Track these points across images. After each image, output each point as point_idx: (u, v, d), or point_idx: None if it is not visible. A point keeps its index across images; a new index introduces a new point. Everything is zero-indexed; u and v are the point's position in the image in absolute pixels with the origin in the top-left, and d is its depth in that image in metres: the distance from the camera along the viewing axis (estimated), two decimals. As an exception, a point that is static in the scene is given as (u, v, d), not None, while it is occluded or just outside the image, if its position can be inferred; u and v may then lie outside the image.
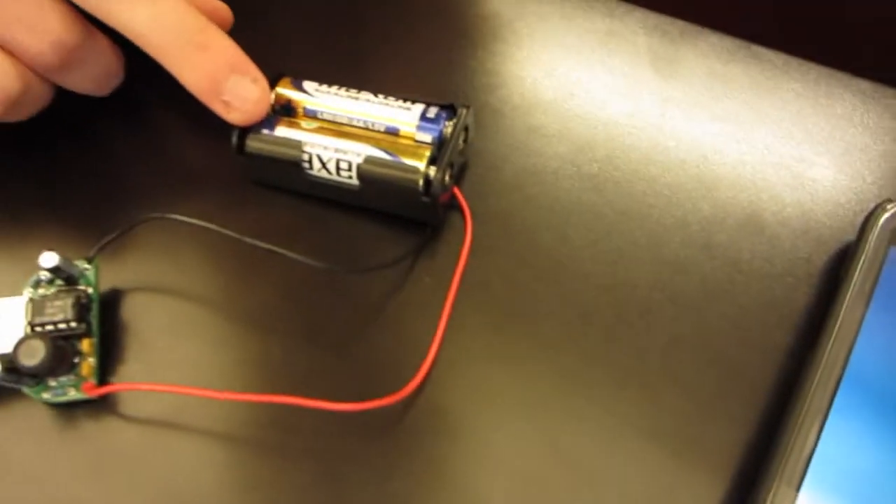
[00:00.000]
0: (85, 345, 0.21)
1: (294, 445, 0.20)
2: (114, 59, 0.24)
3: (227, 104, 0.22)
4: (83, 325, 0.21)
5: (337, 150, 0.23)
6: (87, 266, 0.22)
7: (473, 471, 0.20)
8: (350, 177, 0.23)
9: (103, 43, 0.23)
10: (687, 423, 0.21)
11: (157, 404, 0.21)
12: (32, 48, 0.21)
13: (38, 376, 0.20)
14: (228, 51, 0.22)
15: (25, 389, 0.20)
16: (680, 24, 0.28)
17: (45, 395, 0.20)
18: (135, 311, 0.22)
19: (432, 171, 0.22)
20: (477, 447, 0.20)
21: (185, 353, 0.22)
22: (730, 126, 0.25)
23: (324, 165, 0.23)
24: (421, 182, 0.22)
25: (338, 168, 0.23)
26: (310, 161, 0.23)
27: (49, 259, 0.20)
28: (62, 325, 0.20)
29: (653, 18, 0.28)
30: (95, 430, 0.21)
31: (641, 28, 0.27)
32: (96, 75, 0.24)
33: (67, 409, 0.21)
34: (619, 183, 0.24)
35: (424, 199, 0.22)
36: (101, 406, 0.21)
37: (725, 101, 0.26)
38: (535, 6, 0.28)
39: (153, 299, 0.22)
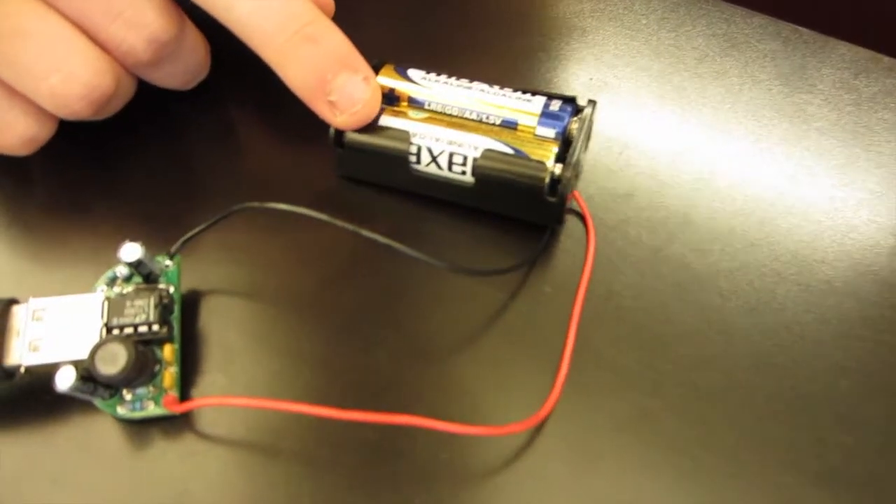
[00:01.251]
0: (167, 351, 0.18)
1: (407, 472, 0.17)
2: (202, 55, 0.22)
3: (333, 105, 0.20)
4: (165, 329, 0.18)
5: (451, 143, 0.20)
6: (168, 262, 0.19)
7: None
8: (463, 172, 0.20)
9: (195, 37, 0.21)
10: (856, 460, 0.18)
11: (245, 422, 0.18)
12: (125, 43, 0.19)
13: (115, 387, 0.17)
14: (339, 44, 0.20)
15: (98, 402, 0.17)
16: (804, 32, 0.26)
17: (121, 410, 0.18)
18: (218, 314, 0.20)
19: (559, 168, 0.20)
20: (614, 480, 0.18)
21: (275, 363, 0.19)
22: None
23: (434, 159, 0.20)
24: (547, 180, 0.20)
25: (450, 162, 0.20)
26: (418, 154, 0.20)
27: (131, 252, 0.18)
28: (143, 328, 0.17)
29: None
30: (175, 452, 0.18)
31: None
32: (184, 71, 0.22)
33: (143, 427, 0.18)
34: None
35: (550, 198, 0.20)
36: (182, 424, 0.18)
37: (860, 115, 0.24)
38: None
39: (239, 301, 0.20)
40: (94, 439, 0.18)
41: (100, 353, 0.16)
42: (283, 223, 0.20)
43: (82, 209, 0.21)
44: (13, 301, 0.17)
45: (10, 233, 0.21)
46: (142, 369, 0.17)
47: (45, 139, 0.20)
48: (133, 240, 0.18)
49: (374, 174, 0.22)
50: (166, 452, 0.18)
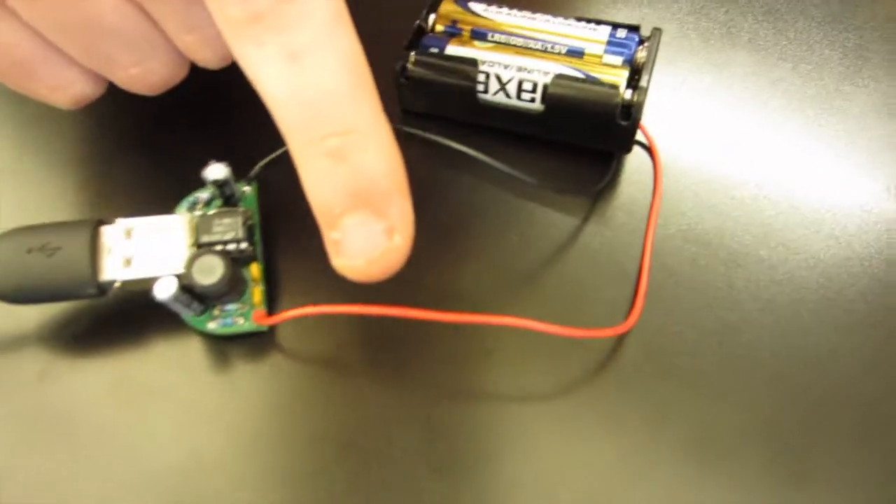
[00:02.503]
0: (254, 270, 0.18)
1: (496, 375, 0.18)
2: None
3: (335, 243, 0.15)
4: (251, 248, 0.18)
5: (520, 69, 0.20)
6: (246, 188, 0.20)
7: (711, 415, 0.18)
8: (532, 100, 0.21)
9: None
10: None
11: (330, 338, 0.18)
12: (200, 55, 0.18)
13: (208, 300, 0.17)
14: (369, 173, 0.15)
15: (187, 318, 0.18)
16: None
17: (211, 326, 0.18)
18: (295, 239, 0.20)
19: (630, 93, 0.20)
20: (692, 390, 0.18)
21: (357, 289, 0.19)
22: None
23: (502, 87, 0.21)
24: (620, 104, 0.20)
25: (519, 90, 0.21)
26: (486, 83, 0.21)
27: (217, 171, 0.18)
28: (231, 246, 0.18)
29: None
30: (262, 367, 0.18)
31: None
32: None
33: (230, 344, 0.18)
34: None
35: (622, 122, 0.20)
36: (268, 340, 0.18)
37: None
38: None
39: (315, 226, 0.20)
40: (183, 355, 0.18)
41: (197, 265, 0.17)
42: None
43: (162, 138, 0.22)
44: (101, 221, 0.18)
45: (94, 160, 0.21)
46: (235, 283, 0.17)
47: (95, 98, 0.19)
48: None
49: (439, 106, 0.22)
50: (254, 368, 0.18)
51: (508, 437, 0.17)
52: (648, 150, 0.22)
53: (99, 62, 0.18)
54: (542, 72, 0.20)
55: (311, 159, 0.15)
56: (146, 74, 0.18)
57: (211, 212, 0.18)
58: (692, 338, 0.19)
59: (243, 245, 0.18)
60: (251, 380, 0.18)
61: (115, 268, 0.17)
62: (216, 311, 0.18)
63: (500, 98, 0.21)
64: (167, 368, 0.18)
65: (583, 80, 0.20)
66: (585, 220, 0.21)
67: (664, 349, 0.18)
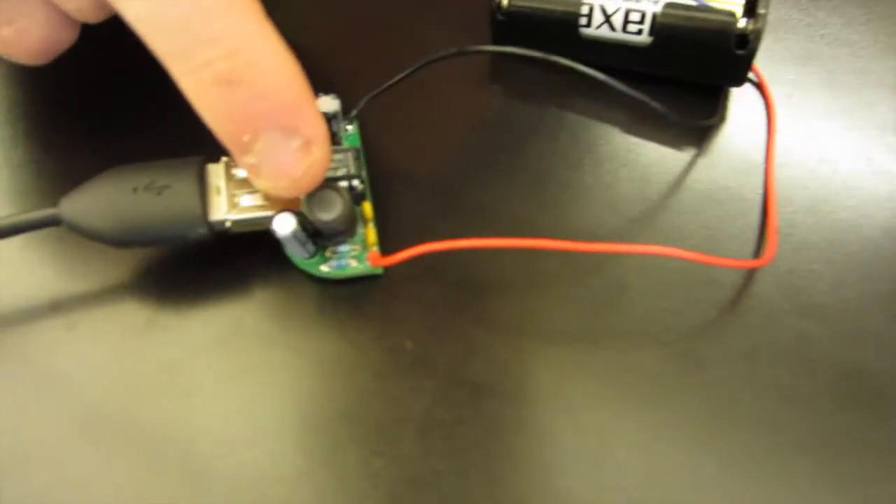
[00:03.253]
0: (366, 208, 0.17)
1: (631, 309, 0.17)
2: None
3: (254, 167, 0.14)
4: (362, 185, 0.17)
5: None
6: (348, 126, 0.19)
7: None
8: (639, 31, 0.20)
9: None
10: None
11: (444, 279, 0.17)
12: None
13: (324, 238, 0.17)
14: (271, 87, 0.14)
15: (298, 260, 0.17)
16: None
17: (324, 269, 0.17)
18: (396, 178, 0.19)
19: (744, 20, 0.19)
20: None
21: (468, 225, 0.18)
22: None
23: (607, 19, 0.20)
24: (736, 31, 0.19)
25: (625, 21, 0.20)
26: (589, 15, 0.20)
27: (328, 104, 0.17)
28: (343, 184, 0.17)
29: None
30: (377, 311, 0.17)
31: None
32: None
33: (341, 287, 0.17)
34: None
35: (738, 52, 0.19)
36: (378, 284, 0.17)
37: None
38: None
39: (421, 162, 0.19)
40: (293, 299, 0.17)
41: (316, 199, 0.16)
42: (452, 85, 0.20)
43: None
44: (207, 159, 0.17)
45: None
46: (352, 221, 0.16)
47: (66, 46, 0.17)
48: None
49: (538, 43, 0.21)
50: (367, 312, 0.17)
51: (642, 380, 0.16)
52: (757, 85, 0.21)
53: None
54: (652, 1, 0.19)
55: (202, 90, 0.13)
56: (21, 36, 0.16)
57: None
58: (828, 274, 0.18)
59: (355, 182, 0.17)
60: (365, 325, 0.17)
61: (224, 208, 0.16)
62: (328, 253, 0.17)
63: (604, 31, 0.20)
64: (276, 315, 0.17)
65: (696, 8, 0.19)
66: (697, 154, 0.20)
67: (801, 287, 0.18)
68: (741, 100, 0.21)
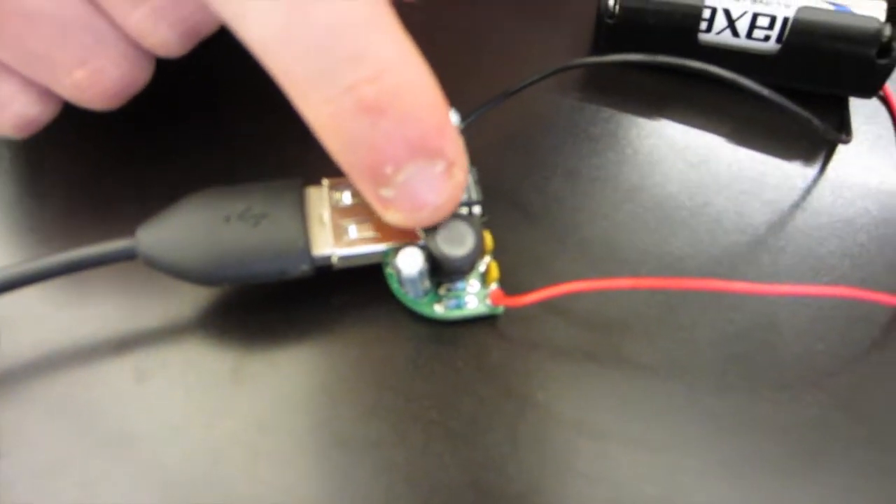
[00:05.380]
0: (488, 239, 0.15)
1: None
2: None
3: (387, 201, 0.12)
4: (483, 214, 0.15)
5: (755, 1, 0.18)
6: (454, 142, 0.16)
7: None
8: (766, 38, 0.18)
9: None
10: None
11: (563, 322, 0.15)
12: (156, 36, 0.14)
13: (446, 276, 0.14)
14: (417, 115, 0.12)
15: (409, 300, 0.15)
16: None
17: (438, 309, 0.15)
18: (508, 201, 0.17)
19: (889, 27, 0.17)
20: None
21: (585, 241, 0.16)
22: None
23: (731, 24, 0.18)
24: (884, 37, 0.17)
25: (752, 26, 0.18)
26: (711, 18, 0.18)
27: (453, 118, 0.14)
28: (463, 210, 0.15)
29: None
30: (492, 355, 0.15)
31: None
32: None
33: (447, 328, 0.15)
34: None
35: (880, 61, 0.17)
36: (497, 326, 0.15)
37: None
38: None
39: (527, 185, 0.17)
40: (402, 342, 0.15)
41: (444, 233, 0.13)
42: (549, 100, 0.18)
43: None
44: (306, 182, 0.14)
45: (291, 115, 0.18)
46: (481, 255, 0.14)
47: (46, 121, 0.15)
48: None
49: (649, 47, 0.19)
50: (488, 359, 0.15)
51: (808, 434, 0.15)
52: (884, 99, 0.19)
53: (36, 65, 0.14)
54: (783, 4, 0.17)
55: (342, 120, 0.11)
56: (96, 77, 0.14)
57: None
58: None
59: (477, 209, 0.15)
60: (479, 373, 0.15)
61: (329, 241, 0.14)
62: (441, 291, 0.15)
63: (725, 37, 0.18)
64: (382, 360, 0.15)
65: (835, 13, 0.17)
66: (824, 173, 0.18)
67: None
68: (862, 114, 0.19)
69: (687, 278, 0.14)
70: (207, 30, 0.15)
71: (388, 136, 0.11)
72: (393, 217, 0.13)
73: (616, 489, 0.14)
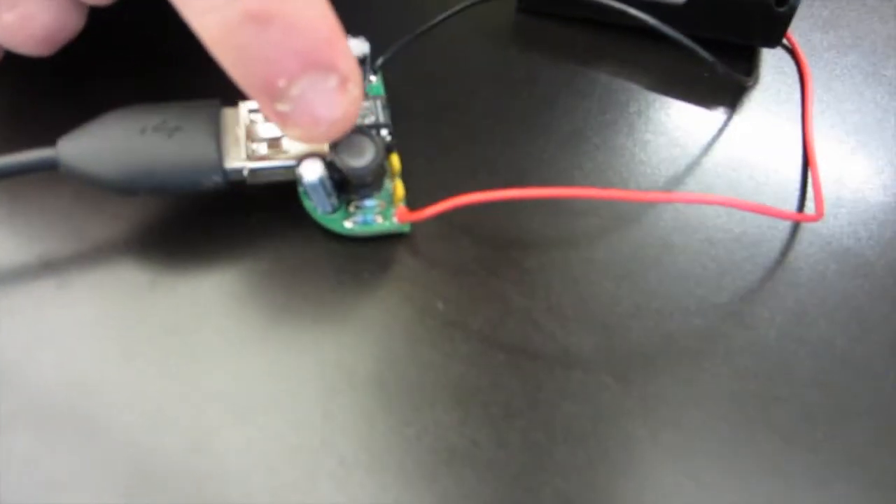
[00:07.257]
0: (394, 161, 0.16)
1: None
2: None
3: (285, 116, 0.13)
4: (391, 135, 0.16)
5: (662, -46, 0.19)
6: (372, 77, 0.17)
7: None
8: (674, -11, 0.19)
9: None
10: None
11: (471, 237, 0.16)
12: None
13: (350, 190, 0.15)
14: (307, 25, 0.12)
15: (319, 216, 0.15)
16: None
17: (348, 225, 0.16)
18: (418, 131, 0.18)
19: (785, -24, 0.18)
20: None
21: (497, 168, 0.17)
22: None
23: (640, -25, 0.19)
24: (777, -13, 0.18)
25: (660, -23, 0.19)
26: (622, -29, 0.19)
27: (358, 46, 0.16)
28: (372, 131, 0.15)
29: None
30: (402, 271, 0.16)
31: None
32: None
33: (363, 245, 0.16)
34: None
35: (778, 8, 0.18)
36: (408, 244, 0.16)
37: None
38: None
39: (444, 118, 0.18)
40: (313, 258, 0.16)
41: (345, 145, 0.14)
42: (476, 41, 0.19)
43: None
44: (223, 103, 0.15)
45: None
46: (382, 172, 0.15)
47: (73, 33, 0.16)
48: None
49: (562, 2, 0.20)
50: (396, 272, 0.16)
51: (689, 340, 0.15)
52: (789, 49, 0.20)
53: None
54: (688, -44, 0.19)
55: (227, 31, 0.12)
56: (25, 21, 0.15)
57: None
58: (876, 233, 0.17)
59: (384, 131, 0.16)
60: (392, 286, 0.16)
61: (241, 155, 0.15)
62: (351, 208, 0.16)
63: (636, -11, 0.19)
64: (294, 275, 0.16)
65: (735, -37, 0.18)
66: (732, 114, 0.19)
67: (849, 246, 0.17)
68: (771, 64, 0.20)
69: (570, 187, 0.15)
70: None
71: (277, 47, 0.12)
72: (292, 132, 0.13)
73: (502, 391, 0.15)
